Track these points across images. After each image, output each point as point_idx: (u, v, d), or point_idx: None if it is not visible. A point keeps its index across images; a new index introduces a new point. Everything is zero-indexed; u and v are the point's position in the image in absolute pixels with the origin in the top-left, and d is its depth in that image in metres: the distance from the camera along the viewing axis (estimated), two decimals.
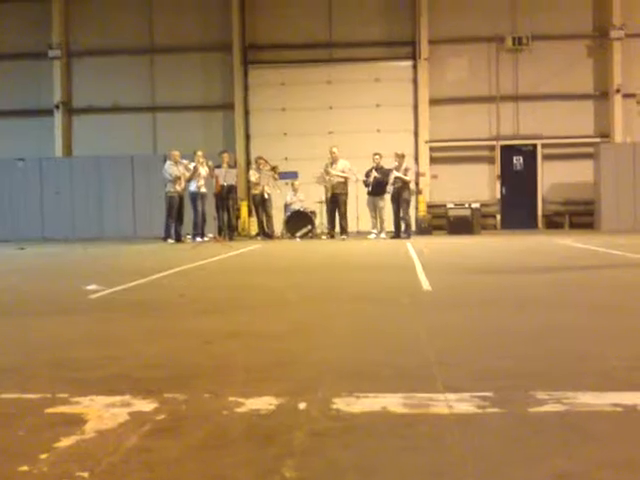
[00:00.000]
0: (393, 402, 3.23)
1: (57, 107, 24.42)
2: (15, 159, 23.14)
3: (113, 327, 5.71)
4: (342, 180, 19.71)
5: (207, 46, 24.18)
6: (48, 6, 24.21)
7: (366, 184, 19.69)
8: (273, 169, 20.14)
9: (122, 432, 2.90)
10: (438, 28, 23.22)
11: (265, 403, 3.27)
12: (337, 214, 19.83)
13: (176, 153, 19.48)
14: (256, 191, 20.29)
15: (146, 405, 3.29)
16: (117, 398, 3.41)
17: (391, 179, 19.00)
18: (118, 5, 24.47)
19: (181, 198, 19.41)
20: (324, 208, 20.36)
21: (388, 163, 19.53)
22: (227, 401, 3.33)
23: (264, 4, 24.05)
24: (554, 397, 3.25)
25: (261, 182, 20.08)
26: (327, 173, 19.65)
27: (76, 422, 3.04)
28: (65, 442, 2.78)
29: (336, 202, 19.69)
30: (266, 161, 20.34)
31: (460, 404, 3.18)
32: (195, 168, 19.32)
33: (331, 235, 19.80)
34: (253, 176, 20.52)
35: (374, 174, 19.48)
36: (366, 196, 19.88)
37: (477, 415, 3.04)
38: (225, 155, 20.04)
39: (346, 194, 19.76)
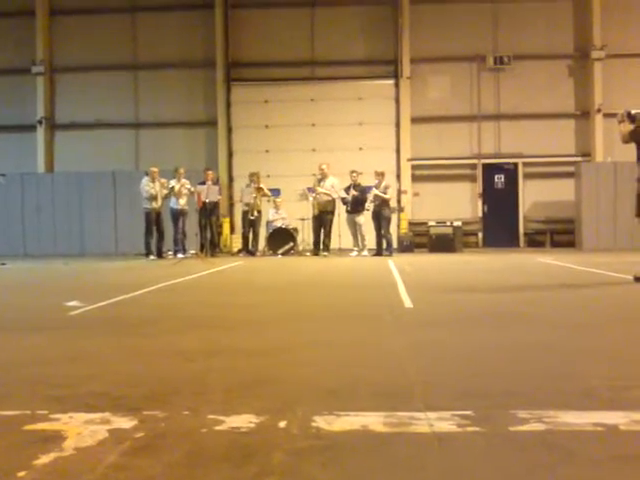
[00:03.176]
0: (373, 420, 3.22)
1: (40, 123, 24.38)
2: None
3: (93, 344, 5.67)
4: (330, 199, 19.68)
5: (190, 63, 24.24)
6: (32, 22, 24.21)
7: (344, 202, 19.72)
8: (258, 190, 20.03)
9: (101, 449, 2.88)
10: (420, 47, 23.39)
11: (245, 421, 3.25)
12: (322, 232, 19.77)
13: (155, 170, 19.40)
14: (246, 208, 20.21)
15: (125, 422, 3.27)
16: (96, 415, 3.38)
17: (370, 197, 19.05)
18: (101, 22, 24.51)
19: (158, 214, 19.34)
20: (306, 225, 20.33)
21: (369, 181, 19.58)
22: (207, 419, 3.31)
23: (247, 22, 24.15)
24: (535, 416, 3.25)
25: (243, 199, 20.09)
26: (316, 191, 19.60)
27: (55, 439, 3.01)
28: (44, 459, 2.76)
29: (322, 220, 19.65)
30: (258, 179, 20.25)
31: (441, 423, 3.18)
32: (172, 188, 19.26)
33: (315, 253, 19.72)
34: (246, 194, 20.37)
35: (352, 192, 19.51)
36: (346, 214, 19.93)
37: (458, 434, 3.03)
38: (209, 172, 20.02)
39: (333, 213, 19.75)
